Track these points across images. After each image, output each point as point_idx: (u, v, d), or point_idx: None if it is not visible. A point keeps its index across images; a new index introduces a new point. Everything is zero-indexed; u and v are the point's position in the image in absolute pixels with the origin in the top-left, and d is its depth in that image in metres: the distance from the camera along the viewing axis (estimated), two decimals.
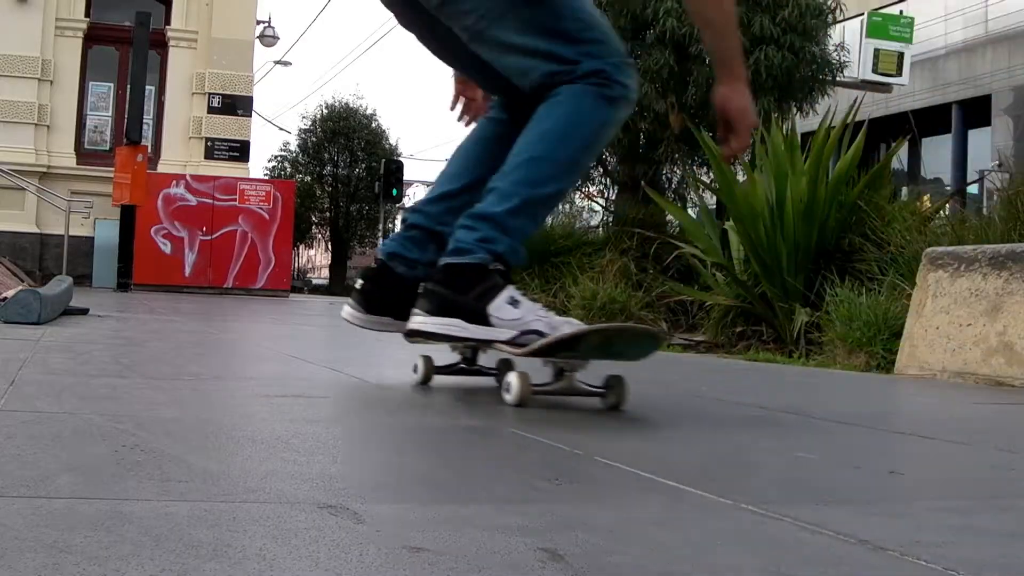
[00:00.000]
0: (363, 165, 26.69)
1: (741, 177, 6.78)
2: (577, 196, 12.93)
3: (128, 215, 13.07)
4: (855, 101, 6.64)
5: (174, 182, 14.32)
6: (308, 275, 33.82)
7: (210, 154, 15.65)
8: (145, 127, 13.94)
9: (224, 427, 1.82)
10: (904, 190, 9.57)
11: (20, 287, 5.51)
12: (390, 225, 21.79)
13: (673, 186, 11.08)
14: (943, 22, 20.68)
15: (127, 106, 13.69)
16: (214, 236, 14.29)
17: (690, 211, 9.86)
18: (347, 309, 2.54)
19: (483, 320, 2.15)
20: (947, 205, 7.28)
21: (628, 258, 8.44)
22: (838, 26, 11.68)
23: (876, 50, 16.97)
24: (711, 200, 9.41)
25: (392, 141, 27.41)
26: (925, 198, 7.48)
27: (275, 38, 21.35)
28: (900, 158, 18.02)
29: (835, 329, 4.78)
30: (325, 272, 32.45)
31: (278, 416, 1.98)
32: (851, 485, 1.53)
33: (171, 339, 4.47)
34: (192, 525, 1.00)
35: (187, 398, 2.18)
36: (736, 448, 1.88)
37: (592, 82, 2.18)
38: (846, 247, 5.77)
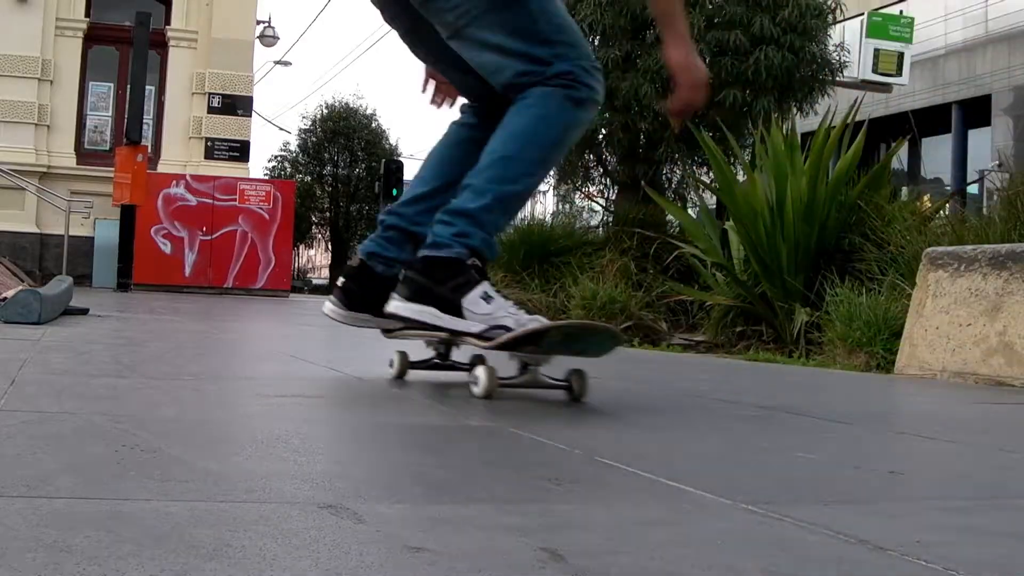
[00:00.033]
0: (363, 165, 26.70)
1: (741, 177, 6.78)
2: (577, 196, 12.94)
3: (128, 215, 13.06)
4: (855, 101, 6.64)
5: (174, 182, 14.32)
6: (308, 275, 33.82)
7: (210, 154, 15.65)
8: (145, 127, 13.94)
9: (224, 427, 1.82)
10: (904, 190, 9.56)
11: (20, 287, 5.51)
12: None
13: (673, 186, 11.08)
14: (943, 22, 20.69)
15: (127, 106, 13.70)
16: (214, 236, 14.29)
17: (690, 211, 9.86)
18: (328, 305, 2.66)
19: (456, 311, 2.27)
20: (947, 205, 7.28)
21: (628, 258, 8.44)
22: (838, 26, 11.68)
23: (876, 50, 16.96)
24: (711, 200, 9.41)
25: (392, 141, 27.44)
26: (925, 198, 7.49)
27: (275, 38, 21.35)
28: (900, 158, 18.03)
29: (835, 329, 4.78)
30: (325, 272, 32.46)
31: (278, 416, 1.98)
32: (851, 485, 1.53)
33: (171, 339, 4.47)
34: (192, 525, 1.00)
35: (187, 398, 2.18)
36: (736, 448, 1.88)
37: (560, 83, 2.29)
38: (846, 247, 5.77)
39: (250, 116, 16.18)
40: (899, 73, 17.23)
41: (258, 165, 39.12)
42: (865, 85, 15.80)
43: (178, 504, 1.10)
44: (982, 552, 1.09)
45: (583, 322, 2.55)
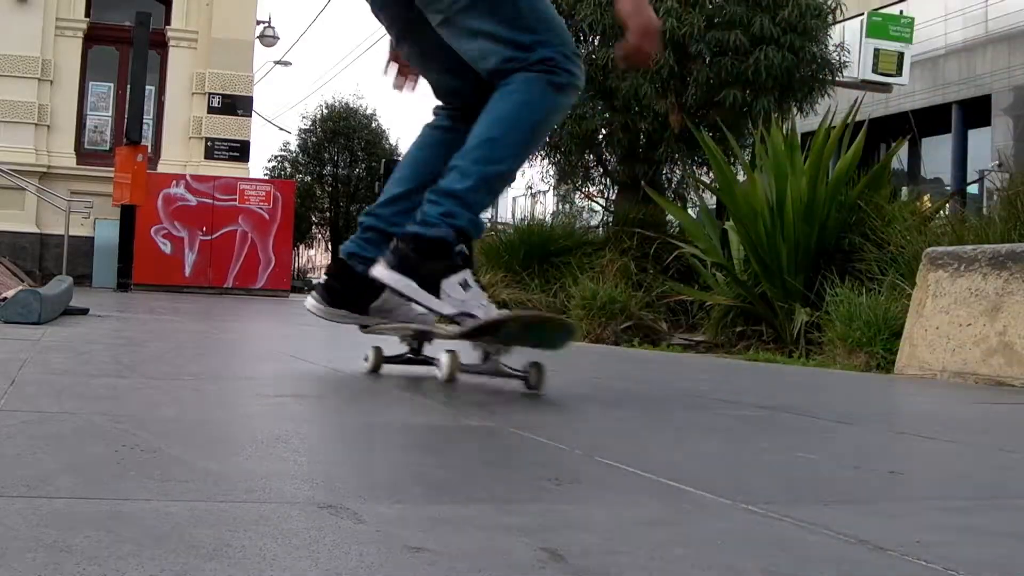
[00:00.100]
0: (363, 165, 26.70)
1: (741, 177, 6.78)
2: (577, 196, 12.93)
3: (128, 215, 13.06)
4: (855, 101, 6.64)
5: (174, 182, 14.31)
6: (308, 275, 33.82)
7: (210, 154, 15.65)
8: (145, 127, 13.94)
9: (224, 427, 1.82)
10: (904, 190, 9.56)
11: (20, 287, 5.51)
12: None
13: (673, 186, 11.08)
14: (943, 22, 20.69)
15: (127, 106, 13.69)
16: (214, 236, 14.29)
17: (690, 211, 9.86)
18: (310, 301, 2.77)
19: (434, 291, 2.39)
20: (947, 205, 7.28)
21: (628, 258, 8.44)
22: (838, 26, 11.67)
23: (876, 50, 16.96)
24: (711, 200, 9.41)
25: (392, 141, 27.43)
26: (925, 198, 7.49)
27: (275, 38, 21.34)
28: (900, 158, 18.03)
29: (835, 329, 4.78)
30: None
31: (278, 416, 1.98)
32: (851, 485, 1.53)
33: (171, 339, 4.47)
34: (192, 525, 1.00)
35: (187, 398, 2.18)
36: (736, 448, 1.88)
37: (542, 69, 2.41)
38: (846, 247, 5.77)
39: (250, 116, 16.18)
40: (899, 73, 17.23)
41: (258, 165, 39.10)
42: (865, 85, 15.80)
43: (178, 504, 1.10)
44: (982, 552, 1.09)
45: (541, 313, 2.72)
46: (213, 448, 1.53)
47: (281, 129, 79.08)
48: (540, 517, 1.13)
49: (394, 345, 2.79)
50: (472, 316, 2.38)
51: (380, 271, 2.44)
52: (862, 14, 16.70)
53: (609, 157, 10.90)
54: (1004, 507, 1.40)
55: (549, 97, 2.44)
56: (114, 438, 1.49)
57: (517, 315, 2.51)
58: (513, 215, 18.56)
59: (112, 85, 15.67)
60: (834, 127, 6.08)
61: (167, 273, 13.90)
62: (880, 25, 17.18)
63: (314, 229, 27.55)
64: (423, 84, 2.86)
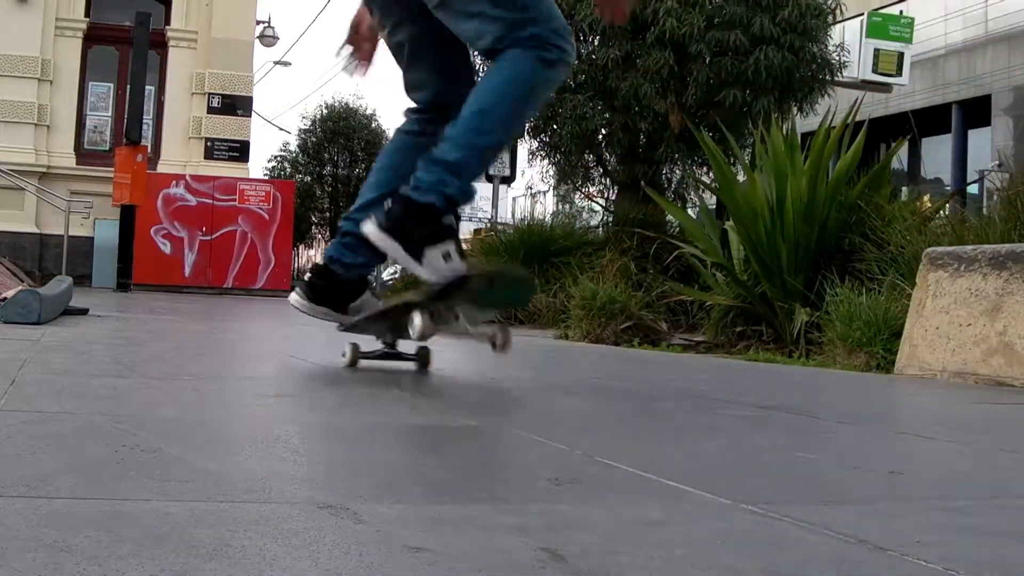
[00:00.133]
0: (363, 165, 26.65)
1: (741, 177, 6.78)
2: (577, 196, 12.94)
3: (128, 215, 13.06)
4: (855, 101, 6.64)
5: (174, 182, 14.31)
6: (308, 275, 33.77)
7: (210, 154, 15.64)
8: (145, 127, 13.93)
9: (224, 427, 1.82)
10: (904, 190, 9.56)
11: (20, 287, 5.51)
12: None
13: (673, 186, 11.08)
14: (943, 22, 20.69)
15: (127, 106, 13.69)
16: (214, 236, 14.29)
17: (690, 211, 9.85)
18: (294, 296, 2.90)
19: (417, 256, 2.49)
20: (947, 205, 7.27)
21: (628, 258, 8.44)
22: (838, 26, 11.67)
23: (876, 50, 16.95)
24: (711, 200, 9.41)
25: None
26: (925, 198, 7.48)
27: (275, 38, 21.34)
28: (900, 158, 18.03)
29: (835, 329, 4.77)
30: None
31: (278, 416, 1.98)
32: (851, 485, 1.53)
33: (171, 339, 4.47)
34: (192, 525, 1.00)
35: (187, 398, 2.18)
36: (736, 448, 1.88)
37: (532, 45, 2.50)
38: (846, 247, 5.77)
39: (250, 116, 16.18)
40: (899, 73, 17.22)
41: (258, 165, 39.13)
42: (865, 85, 15.79)
43: (178, 504, 1.10)
44: (982, 552, 1.09)
45: (502, 267, 2.79)
46: (213, 448, 1.53)
47: (281, 129, 79.06)
48: (540, 517, 1.13)
49: (370, 342, 2.91)
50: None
51: (369, 228, 2.53)
52: (862, 14, 16.70)
53: (609, 157, 10.90)
54: (1004, 507, 1.40)
55: (539, 72, 2.53)
56: (114, 438, 1.49)
57: (483, 270, 2.64)
58: (513, 215, 18.56)
59: (112, 85, 15.67)
60: (834, 127, 6.08)
61: (167, 273, 13.90)
62: (880, 25, 17.18)
63: (314, 229, 27.53)
64: (373, 70, 3.02)
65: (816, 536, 1.11)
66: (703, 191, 10.16)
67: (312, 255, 35.72)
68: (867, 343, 4.53)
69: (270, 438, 1.62)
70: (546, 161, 11.21)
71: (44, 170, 14.72)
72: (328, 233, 27.37)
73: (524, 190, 18.06)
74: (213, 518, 1.04)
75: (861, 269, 5.40)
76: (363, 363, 2.88)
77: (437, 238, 2.49)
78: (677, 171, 10.89)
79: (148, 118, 14.79)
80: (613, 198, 11.04)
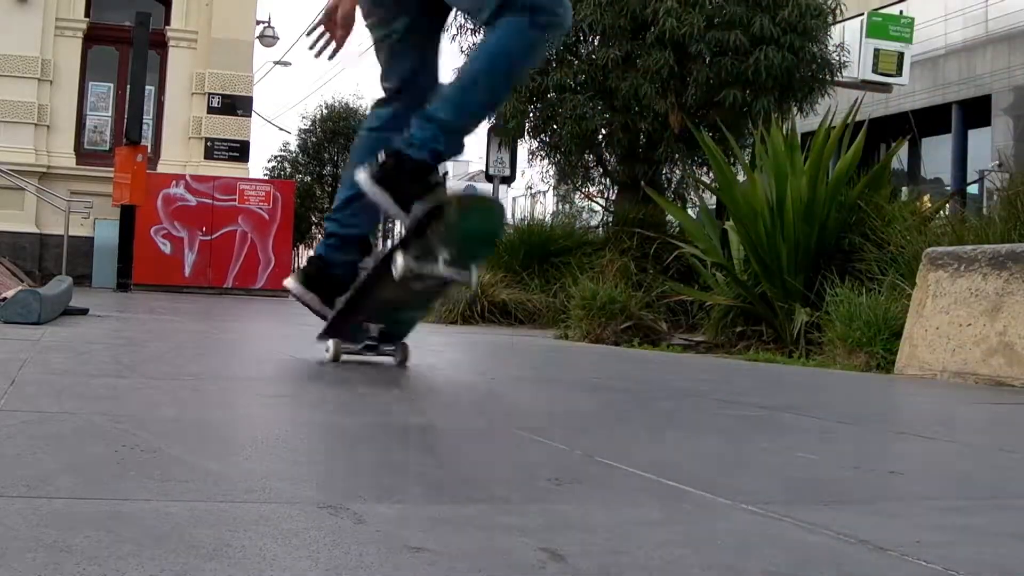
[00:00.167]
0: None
1: (741, 177, 6.78)
2: (577, 196, 12.94)
3: (128, 215, 13.05)
4: (855, 101, 6.63)
5: (174, 182, 14.31)
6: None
7: (210, 154, 15.63)
8: (145, 127, 13.92)
9: (224, 427, 1.82)
10: (904, 190, 9.55)
11: (20, 287, 5.51)
12: (389, 225, 21.78)
13: (673, 186, 11.08)
14: (943, 22, 20.68)
15: (127, 106, 13.68)
16: (214, 236, 14.28)
17: (690, 211, 9.85)
18: (290, 280, 3.14)
19: (406, 208, 2.68)
20: (947, 205, 7.27)
21: (628, 258, 8.44)
22: (838, 26, 11.67)
23: (876, 50, 16.94)
24: (711, 200, 9.40)
25: None
26: (925, 198, 7.48)
27: (275, 38, 21.32)
28: (900, 158, 18.01)
29: (835, 329, 4.77)
30: None
31: (278, 416, 1.98)
32: (851, 485, 1.53)
33: (171, 339, 4.47)
34: (192, 525, 1.00)
35: (187, 398, 2.18)
36: (736, 448, 1.88)
37: (527, 9, 2.61)
38: (846, 247, 5.76)
39: (250, 116, 16.17)
40: (899, 73, 17.21)
41: (258, 165, 39.10)
42: (865, 85, 15.78)
43: (178, 504, 1.09)
44: (982, 552, 1.09)
45: (472, 194, 2.94)
46: (213, 448, 1.53)
47: (281, 129, 79.01)
48: (540, 517, 1.13)
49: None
50: None
51: (362, 178, 2.70)
52: (862, 14, 16.69)
53: (609, 157, 10.90)
54: (1004, 507, 1.40)
55: (532, 35, 2.65)
56: (114, 438, 1.49)
57: (456, 195, 2.81)
58: (513, 215, 18.56)
59: (112, 85, 15.66)
60: (834, 127, 6.07)
61: (167, 273, 13.89)
62: (880, 25, 17.17)
63: (314, 229, 27.52)
64: (341, 54, 3.19)
65: (816, 536, 1.11)
66: (703, 191, 10.16)
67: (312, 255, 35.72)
68: (867, 343, 4.53)
69: (270, 438, 1.62)
70: (546, 161, 11.21)
71: (44, 170, 14.71)
72: None
73: (524, 190, 18.05)
74: (213, 518, 1.04)
75: (861, 269, 5.40)
76: (352, 358, 3.04)
77: (425, 192, 2.66)
78: (677, 171, 10.89)
79: (148, 118, 14.78)
80: (613, 198, 11.04)
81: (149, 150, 13.92)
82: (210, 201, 14.28)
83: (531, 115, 10.43)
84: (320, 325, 3.13)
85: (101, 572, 0.82)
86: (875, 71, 16.95)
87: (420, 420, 2.08)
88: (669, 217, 9.30)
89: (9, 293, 4.52)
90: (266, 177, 24.31)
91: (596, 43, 10.20)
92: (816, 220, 5.78)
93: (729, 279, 6.35)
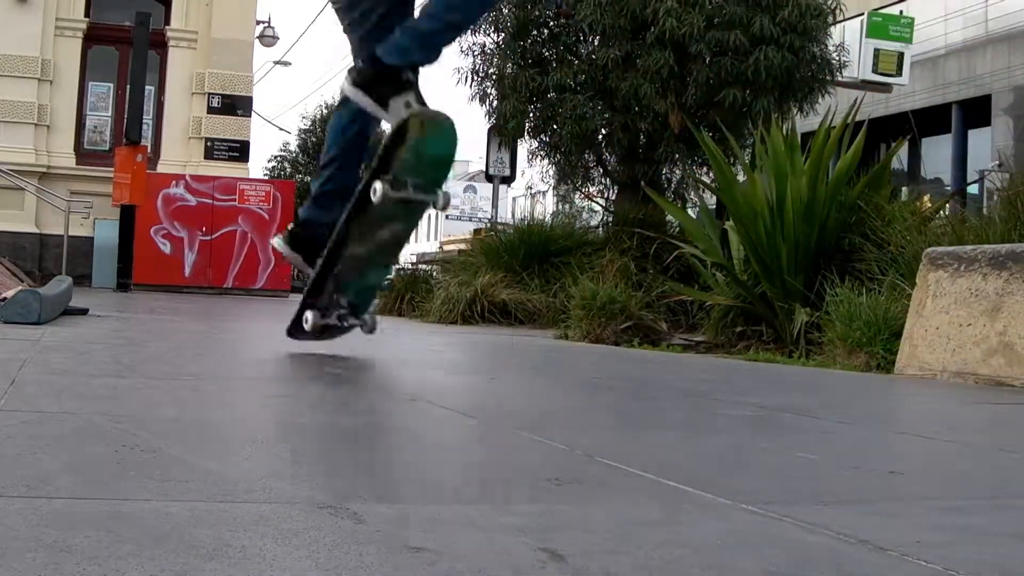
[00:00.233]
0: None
1: (741, 177, 6.78)
2: (577, 196, 12.93)
3: (128, 215, 13.05)
4: (855, 101, 6.63)
5: (174, 182, 14.30)
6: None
7: (210, 154, 15.63)
8: (145, 127, 13.92)
9: (224, 427, 1.82)
10: (904, 190, 9.55)
11: (20, 287, 5.51)
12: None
13: (673, 186, 11.07)
14: (943, 22, 20.68)
15: (127, 106, 13.68)
16: (214, 236, 14.28)
17: (690, 211, 9.85)
18: (277, 239, 3.46)
19: (384, 105, 3.02)
20: (947, 205, 7.27)
21: (628, 258, 8.43)
22: (838, 26, 11.66)
23: (876, 50, 16.94)
24: (711, 200, 9.40)
25: None
26: (925, 198, 7.48)
27: (275, 38, 21.32)
28: (900, 158, 18.01)
29: (835, 329, 4.77)
30: None
31: (278, 416, 1.98)
32: (851, 485, 1.53)
33: (171, 339, 4.47)
34: (192, 525, 1.00)
35: (187, 398, 2.18)
36: (736, 448, 1.88)
37: None
38: (846, 247, 5.76)
39: (250, 116, 16.16)
40: (899, 73, 17.21)
41: (258, 165, 39.09)
42: (865, 85, 15.78)
43: (178, 504, 1.09)
44: (982, 552, 1.09)
45: (434, 111, 3.18)
46: (213, 448, 1.52)
47: (281, 129, 78.90)
48: (540, 517, 1.13)
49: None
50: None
51: (345, 86, 3.05)
52: (862, 14, 16.69)
53: (609, 157, 10.89)
54: (1004, 507, 1.39)
55: None
56: (114, 438, 1.49)
57: (421, 111, 3.04)
58: (513, 215, 18.55)
59: (112, 85, 15.65)
60: (834, 127, 6.07)
61: (167, 273, 13.89)
62: (880, 25, 17.17)
63: None
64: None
65: (816, 536, 1.11)
66: (703, 191, 10.16)
67: None
68: (867, 343, 4.53)
69: (270, 438, 1.62)
70: (546, 161, 11.20)
71: (44, 170, 14.71)
72: None
73: (524, 190, 18.04)
74: (213, 518, 1.03)
75: (861, 269, 5.39)
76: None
77: (400, 90, 3.00)
78: (677, 171, 10.88)
79: (148, 118, 14.78)
80: (613, 198, 11.03)
81: (149, 150, 13.92)
82: (210, 201, 14.28)
83: (531, 115, 10.43)
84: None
85: (101, 572, 0.82)
86: (875, 71, 16.96)
87: (419, 420, 2.08)
88: (669, 217, 9.30)
89: (9, 293, 4.52)
90: (266, 177, 24.30)
91: (596, 43, 10.20)
92: (816, 220, 5.78)
93: (729, 279, 6.35)
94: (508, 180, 13.95)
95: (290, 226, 3.50)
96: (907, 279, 4.74)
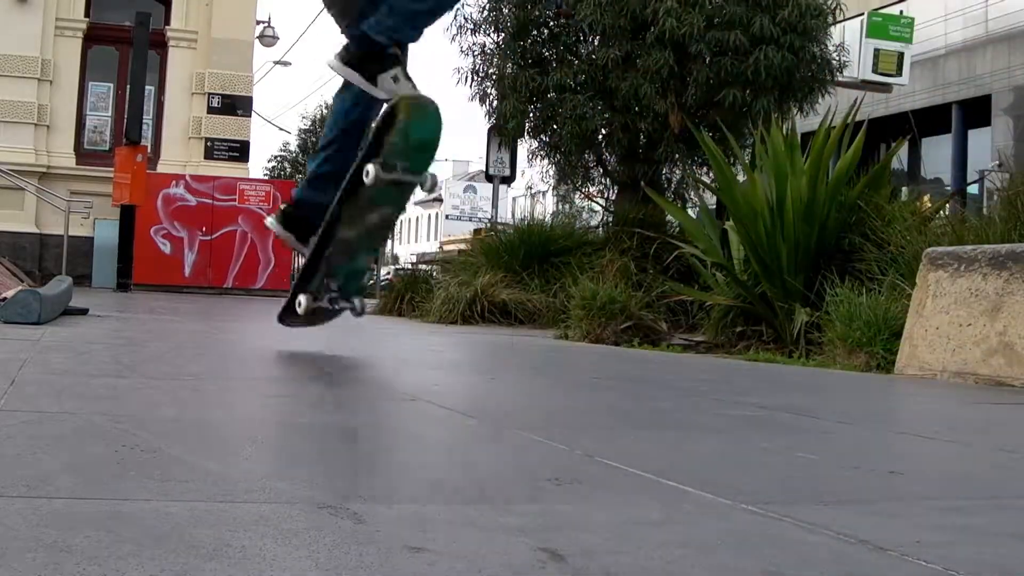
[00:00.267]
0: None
1: (741, 177, 6.78)
2: (577, 196, 12.93)
3: (128, 215, 13.05)
4: (855, 101, 6.63)
5: (174, 182, 14.30)
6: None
7: (210, 154, 15.63)
8: (145, 127, 13.92)
9: (224, 427, 1.82)
10: (904, 190, 9.54)
11: (20, 287, 5.51)
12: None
13: (673, 186, 11.07)
14: (943, 22, 20.68)
15: (127, 106, 13.68)
16: (214, 236, 14.28)
17: (690, 211, 9.84)
18: (271, 219, 3.56)
19: (373, 81, 3.12)
20: (947, 205, 7.27)
21: (628, 258, 8.43)
22: (838, 26, 11.66)
23: (876, 50, 16.94)
24: (711, 200, 9.40)
25: None
26: (925, 198, 7.48)
27: (275, 38, 21.32)
28: (900, 158, 18.01)
29: (835, 329, 4.77)
30: None
31: (278, 416, 1.98)
32: (851, 485, 1.53)
33: (171, 339, 4.47)
34: (192, 525, 1.00)
35: (187, 398, 2.18)
36: (736, 448, 1.88)
37: None
38: (846, 247, 5.76)
39: (250, 116, 16.16)
40: (899, 73, 17.21)
41: (258, 165, 39.08)
42: (865, 85, 15.79)
43: (178, 504, 1.09)
44: (982, 552, 1.09)
45: (419, 94, 3.30)
46: (213, 448, 1.52)
47: (281, 129, 78.86)
48: (540, 517, 1.13)
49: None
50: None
51: (331, 61, 3.16)
52: (862, 14, 16.69)
53: (609, 157, 10.89)
54: (1004, 507, 1.39)
55: None
56: (114, 438, 1.49)
57: (411, 95, 3.16)
58: (513, 215, 18.56)
59: (112, 85, 15.65)
60: (834, 127, 6.07)
61: (167, 273, 13.89)
62: (880, 25, 17.18)
63: None
64: None
65: (816, 536, 1.11)
66: (703, 191, 10.15)
67: None
68: (867, 343, 4.53)
69: (270, 438, 1.62)
70: (546, 161, 11.20)
71: (44, 170, 14.71)
72: None
73: (524, 190, 18.04)
74: (213, 518, 1.03)
75: (861, 269, 5.39)
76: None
77: (387, 66, 3.11)
78: (677, 171, 10.88)
79: (148, 118, 14.78)
80: (613, 198, 11.03)
81: (149, 150, 13.92)
82: (210, 201, 14.28)
83: (531, 115, 10.43)
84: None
85: (101, 572, 0.82)
86: (875, 71, 16.96)
87: (419, 420, 2.08)
88: (669, 217, 9.29)
89: (9, 293, 4.52)
90: (266, 177, 24.30)
91: (596, 43, 10.20)
92: (816, 220, 5.78)
93: (729, 279, 6.35)
94: (508, 180, 13.94)
95: (283, 206, 3.60)
96: (907, 279, 4.74)
